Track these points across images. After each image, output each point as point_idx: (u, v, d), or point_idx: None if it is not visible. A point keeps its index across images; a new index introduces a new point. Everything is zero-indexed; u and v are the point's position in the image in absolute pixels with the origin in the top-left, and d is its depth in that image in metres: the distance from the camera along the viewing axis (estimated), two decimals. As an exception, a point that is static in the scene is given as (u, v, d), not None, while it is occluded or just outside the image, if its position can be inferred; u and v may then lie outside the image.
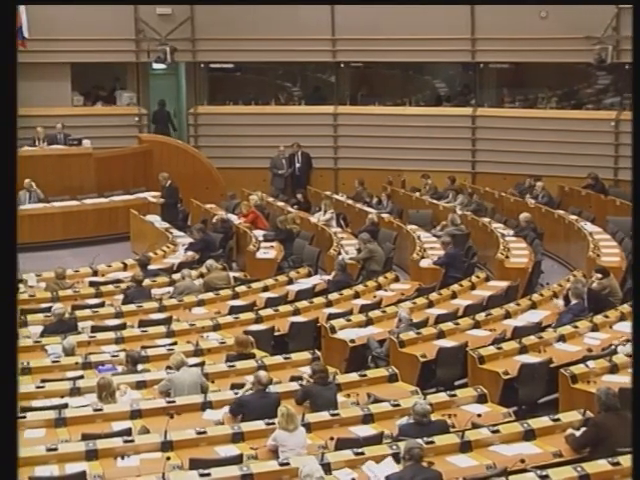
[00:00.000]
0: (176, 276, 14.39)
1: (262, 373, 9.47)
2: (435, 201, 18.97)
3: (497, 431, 8.57)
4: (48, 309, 12.52)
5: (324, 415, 9.05)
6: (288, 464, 7.97)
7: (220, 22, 21.45)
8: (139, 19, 21.57)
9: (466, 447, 8.39)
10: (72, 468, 8.04)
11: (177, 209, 18.96)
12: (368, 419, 9.06)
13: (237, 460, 8.18)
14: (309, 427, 8.76)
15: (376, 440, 8.58)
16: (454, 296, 13.44)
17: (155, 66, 22.13)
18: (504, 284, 13.91)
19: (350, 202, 19.33)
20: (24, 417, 9.03)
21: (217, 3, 20.99)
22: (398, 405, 9.24)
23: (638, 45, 7.16)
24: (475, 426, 8.82)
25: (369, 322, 12.27)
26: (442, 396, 9.66)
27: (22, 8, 19.69)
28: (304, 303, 13.09)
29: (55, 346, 11.12)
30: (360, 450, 8.20)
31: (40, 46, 20.46)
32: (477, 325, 12.02)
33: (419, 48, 20.70)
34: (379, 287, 14.00)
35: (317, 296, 13.53)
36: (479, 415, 9.10)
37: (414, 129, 21.11)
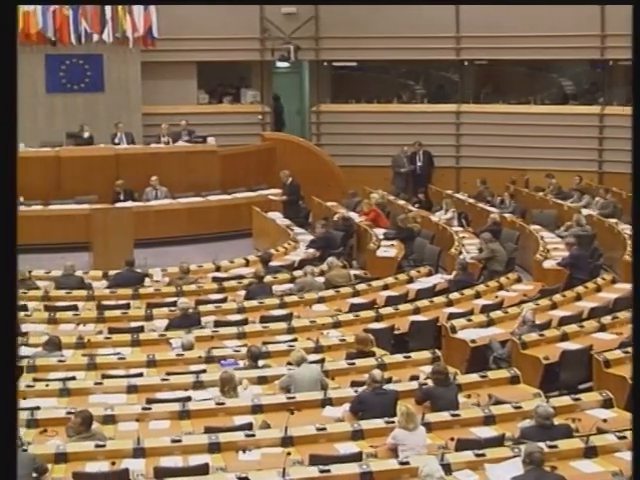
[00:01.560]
0: (297, 273, 14.48)
1: (376, 371, 9.45)
2: (560, 201, 18.61)
3: (624, 437, 8.34)
4: (173, 303, 12.77)
5: (445, 415, 8.97)
6: (408, 463, 7.93)
7: (344, 21, 21.53)
8: (264, 18, 21.82)
9: (591, 453, 8.20)
10: (195, 460, 8.17)
11: (299, 206, 19.09)
12: (489, 420, 8.95)
13: (357, 458, 8.18)
14: (429, 427, 8.70)
15: (497, 442, 8.46)
16: (578, 298, 13.17)
17: (279, 64, 22.34)
18: (631, 286, 13.50)
19: (472, 201, 19.14)
20: (149, 408, 9.25)
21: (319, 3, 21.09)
22: (520, 407, 9.09)
23: (638, 44, 6.96)
24: (600, 431, 8.61)
25: (490, 323, 12.12)
26: (566, 400, 9.47)
27: (152, 8, 20.21)
28: (424, 302, 13.01)
29: (179, 340, 11.31)
30: (481, 452, 8.11)
31: (168, 46, 20.92)
32: (603, 328, 11.75)
33: (545, 45, 20.36)
34: (501, 287, 13.81)
35: (437, 295, 13.43)
36: (605, 420, 8.87)
37: (539, 128, 20.77)
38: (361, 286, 13.82)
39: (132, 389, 9.91)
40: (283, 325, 12.06)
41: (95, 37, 20.17)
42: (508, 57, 21.41)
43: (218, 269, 15.08)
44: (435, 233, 16.83)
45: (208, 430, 8.70)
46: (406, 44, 21.20)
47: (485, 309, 12.64)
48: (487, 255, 15.03)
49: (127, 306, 13.01)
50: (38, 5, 19.63)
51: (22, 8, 19.50)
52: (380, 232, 16.72)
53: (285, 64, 22.25)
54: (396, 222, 16.90)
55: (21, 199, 18.12)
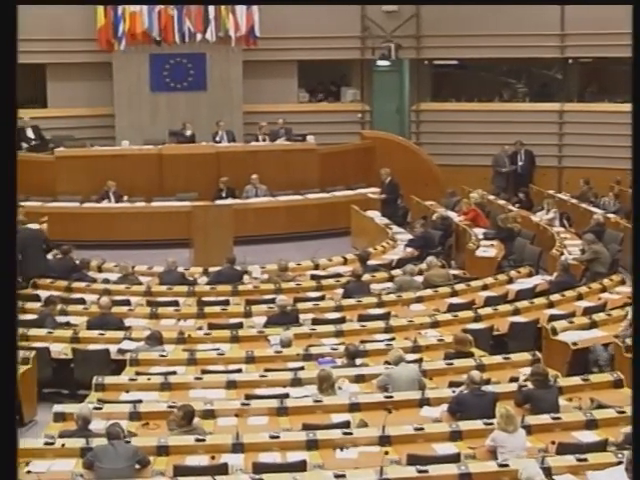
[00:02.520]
0: (395, 272, 14.43)
1: (475, 372, 9.36)
2: (666, 202, 18.12)
3: None
4: (271, 300, 12.85)
5: (545, 418, 8.84)
6: (507, 465, 7.83)
7: (445, 19, 21.39)
8: (366, 17, 21.82)
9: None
10: (293, 456, 8.21)
11: (397, 205, 19.03)
12: (591, 425, 8.78)
13: (455, 459, 8.12)
14: (529, 429, 8.58)
15: (600, 447, 8.30)
16: (686, 302, 12.80)
17: (379, 63, 22.31)
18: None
19: (574, 201, 18.80)
20: (248, 404, 9.34)
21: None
22: (623, 412, 8.89)
23: (638, 44, 6.95)
24: None
25: (593, 325, 11.89)
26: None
27: (255, 8, 20.42)
28: (524, 303, 12.83)
29: (278, 337, 11.38)
30: (583, 456, 7.96)
31: (270, 45, 21.09)
32: None
33: (652, 42, 19.85)
34: (604, 289, 13.52)
35: (538, 296, 13.23)
36: None
37: (645, 127, 20.26)
38: (460, 286, 13.70)
39: (231, 385, 10.01)
40: (381, 324, 12.04)
41: (198, 36, 20.45)
42: (614, 55, 20.95)
43: (316, 267, 15.13)
44: (536, 233, 16.59)
45: (306, 427, 8.73)
46: (508, 42, 20.95)
47: (587, 311, 12.40)
48: (590, 257, 14.75)
49: (227, 302, 13.15)
50: (144, 5, 20.03)
51: (128, 9, 19.98)
52: (479, 232, 16.55)
53: (385, 62, 22.22)
54: (496, 222, 16.70)
55: (125, 197, 18.53)
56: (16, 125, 5.68)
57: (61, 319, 12.37)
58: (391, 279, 14.11)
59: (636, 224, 6.81)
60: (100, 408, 9.19)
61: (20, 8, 20.35)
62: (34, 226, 15.03)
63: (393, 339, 11.52)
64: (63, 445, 8.35)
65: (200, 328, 12.17)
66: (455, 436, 8.56)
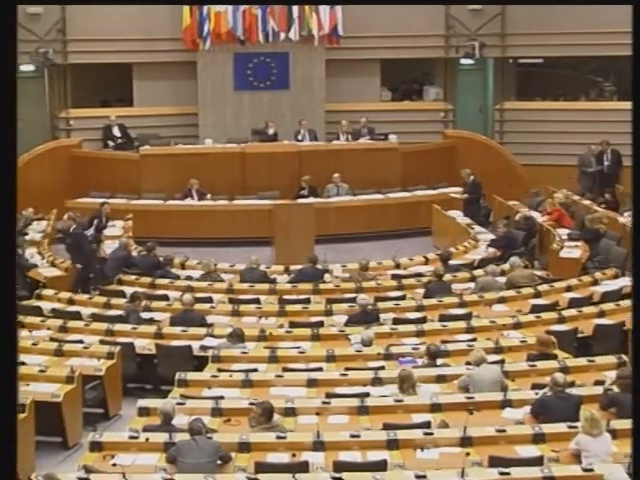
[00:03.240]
0: (477, 272, 14.32)
1: (558, 374, 9.22)
2: None
3: None
4: (352, 299, 12.85)
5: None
6: (592, 470, 7.71)
7: (531, 17, 21.14)
8: (450, 15, 21.68)
9: None
10: (374, 456, 8.20)
11: (479, 205, 18.86)
12: (680, 430, 8.57)
13: (538, 462, 8.02)
14: (615, 434, 8.41)
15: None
16: None
17: (463, 61, 22.15)
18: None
19: (663, 202, 18.38)
20: (329, 403, 9.34)
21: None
22: None
23: (638, 45, 6.82)
24: None
25: (681, 329, 11.61)
26: None
27: (338, 7, 20.45)
28: (610, 305, 12.61)
29: (358, 336, 11.37)
30: (674, 464, 7.77)
31: (352, 43, 21.09)
32: None
33: None
34: (693, 293, 13.20)
35: (624, 299, 12.97)
36: None
37: None
38: (543, 287, 13.53)
39: (312, 383, 10.04)
40: (462, 324, 11.95)
41: (282, 36, 20.54)
42: None
43: (397, 266, 15.09)
44: (622, 235, 16.27)
45: (386, 427, 8.71)
46: (595, 40, 20.59)
47: (676, 315, 12.12)
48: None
49: (308, 301, 13.19)
50: (229, 5, 20.21)
51: (213, 9, 20.20)
52: (564, 232, 16.31)
53: (469, 61, 22.05)
54: (582, 222, 16.43)
55: (208, 195, 18.72)
56: (16, 125, 5.69)
57: (145, 315, 12.55)
58: (473, 279, 13.99)
59: (636, 223, 6.69)
60: (183, 404, 9.30)
61: (106, 9, 20.88)
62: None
63: (475, 340, 11.43)
64: (147, 439, 8.47)
65: (281, 326, 12.22)
66: (538, 439, 8.45)
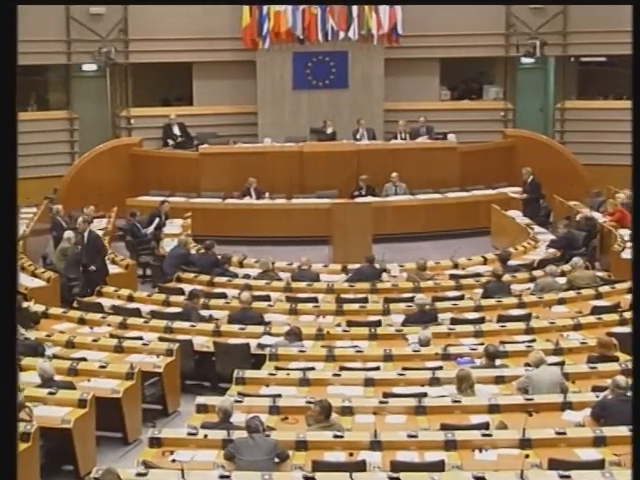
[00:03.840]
0: (536, 273, 14.18)
1: (620, 376, 9.09)
2: None
3: None
4: (410, 299, 12.81)
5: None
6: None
7: (594, 15, 20.90)
8: (511, 14, 21.52)
9: None
10: (431, 456, 8.15)
11: (539, 205, 18.68)
12: None
13: (599, 465, 7.90)
14: (604, 441, 8.29)
15: None
16: None
17: (524, 60, 21.97)
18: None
19: None
20: (386, 402, 9.31)
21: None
22: None
23: (638, 45, 6.75)
24: None
25: None
26: None
27: (398, 6, 20.40)
28: (673, 308, 12.39)
29: (416, 336, 11.32)
30: None
31: (412, 42, 21.03)
32: None
33: None
34: None
35: (688, 301, 12.75)
36: None
37: None
38: (604, 288, 13.35)
39: (369, 382, 10.01)
40: (521, 325, 11.84)
41: (341, 35, 20.55)
42: None
43: (455, 266, 15.01)
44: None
45: (444, 427, 8.66)
46: (659, 38, 20.27)
47: None
48: None
49: (365, 300, 13.16)
50: (288, 5, 20.27)
51: (273, 8, 20.27)
52: (625, 233, 16.08)
53: (530, 60, 21.86)
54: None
55: (266, 194, 18.78)
56: (16, 125, 5.69)
57: (204, 313, 12.62)
58: (532, 280, 13.86)
59: (636, 223, 6.60)
60: (241, 401, 9.33)
61: (167, 9, 21.03)
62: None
63: (534, 341, 11.32)
64: (205, 436, 8.52)
65: (339, 325, 12.21)
66: (599, 442, 8.33)
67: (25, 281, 14.06)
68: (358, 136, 20.23)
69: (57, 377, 9.96)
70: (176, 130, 20.98)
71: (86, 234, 14.56)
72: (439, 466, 7.95)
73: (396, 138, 20.31)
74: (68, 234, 15.44)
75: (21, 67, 20.04)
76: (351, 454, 8.23)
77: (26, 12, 19.89)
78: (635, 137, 6.69)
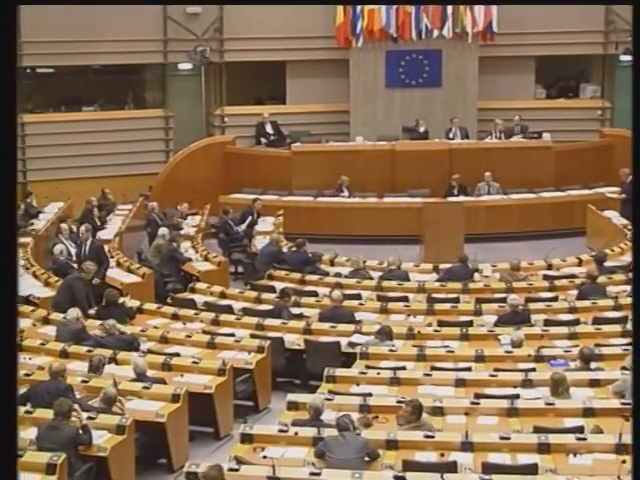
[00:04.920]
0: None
1: None
2: None
3: None
4: (502, 299, 12.66)
5: None
6: None
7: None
8: (611, 11, 21.14)
9: None
10: (524, 459, 8.05)
11: (637, 206, 18.28)
12: None
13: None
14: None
15: None
16: None
17: (623, 58, 21.52)
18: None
19: None
20: (478, 403, 9.22)
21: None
22: None
23: (638, 45, 6.64)
24: None
25: None
26: None
27: (494, 8, 20.21)
28: None
29: (508, 337, 11.19)
30: None
31: (507, 40, 20.81)
32: None
33: None
34: None
35: None
36: None
37: None
38: None
39: (460, 383, 9.93)
40: (617, 328, 11.60)
41: (435, 33, 20.45)
42: None
43: (549, 267, 14.78)
44: None
45: (537, 430, 8.54)
46: None
47: None
48: None
49: (457, 300, 13.06)
50: (382, 5, 20.26)
51: (367, 7, 20.28)
52: None
53: (629, 57, 21.39)
54: None
55: (356, 192, 18.79)
56: (16, 125, 5.70)
57: (295, 310, 12.68)
58: (629, 282, 13.56)
59: (636, 224, 6.39)
60: (331, 399, 9.34)
61: (261, 9, 21.22)
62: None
63: (631, 344, 11.05)
64: (296, 433, 8.55)
65: (429, 325, 12.14)
66: (699, 448, 8.11)
67: (120, 277, 14.35)
68: (451, 135, 20.10)
69: (151, 372, 10.12)
70: (269, 128, 21.13)
71: (88, 244, 14.34)
72: (532, 469, 7.85)
73: (491, 137, 20.11)
74: (163, 231, 15.68)
75: (119, 66, 20.68)
76: (442, 454, 8.17)
77: (124, 12, 20.30)
78: (635, 137, 6.58)
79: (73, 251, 15.29)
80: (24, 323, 12.30)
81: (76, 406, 8.79)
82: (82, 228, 14.99)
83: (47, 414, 8.80)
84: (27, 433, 8.74)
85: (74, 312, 11.58)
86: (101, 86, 22.07)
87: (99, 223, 17.62)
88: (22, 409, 9.14)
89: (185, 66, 21.85)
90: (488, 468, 7.86)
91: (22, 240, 16.25)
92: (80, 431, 8.46)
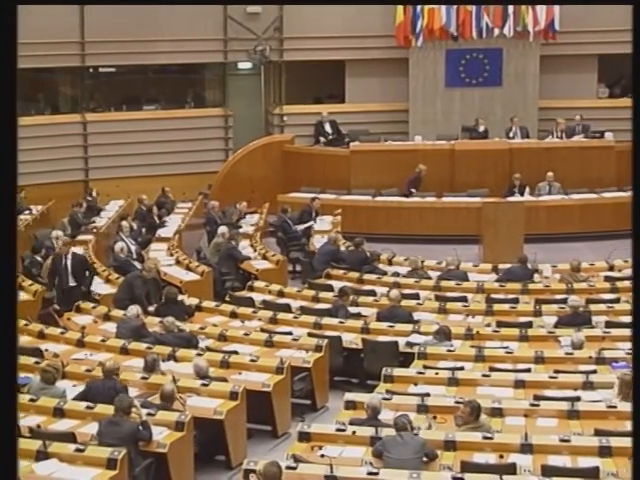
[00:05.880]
0: (698, 277, 13.63)
1: None
2: None
3: None
4: (563, 300, 12.54)
5: None
6: None
7: None
8: (671, 7, 20.78)
9: None
10: (585, 462, 7.95)
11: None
12: None
13: None
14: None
15: None
16: None
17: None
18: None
19: None
20: (537, 405, 9.13)
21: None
22: None
23: (638, 45, 6.65)
24: None
25: None
26: None
27: (556, 6, 20.01)
28: None
29: (568, 338, 11.06)
30: None
31: (569, 39, 20.60)
32: None
33: None
34: None
35: None
36: None
37: None
38: None
39: (519, 384, 9.85)
40: (681, 330, 11.39)
41: (496, 31, 20.32)
42: None
43: (611, 268, 14.59)
44: None
45: (598, 432, 8.43)
46: None
47: None
48: None
49: (516, 301, 12.95)
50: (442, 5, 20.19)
51: (426, 6, 20.20)
52: None
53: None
54: None
55: (413, 190, 18.71)
56: (16, 125, 5.66)
57: (353, 310, 12.66)
58: (694, 284, 13.32)
59: (636, 224, 6.26)
60: (389, 399, 9.32)
61: (320, 8, 21.17)
62: (79, 251, 14.78)
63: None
64: (354, 432, 8.54)
65: (488, 325, 12.06)
66: None
67: (180, 274, 14.47)
68: (511, 134, 19.94)
69: (209, 369, 10.18)
70: (328, 127, 21.15)
71: (69, 257, 13.60)
72: (593, 472, 7.74)
73: (552, 136, 19.91)
74: (222, 229, 15.77)
75: (179, 65, 20.77)
76: (501, 456, 8.11)
77: (185, 12, 20.45)
78: (635, 137, 6.46)
79: (133, 248, 15.47)
80: (85, 320, 12.49)
81: (136, 402, 8.89)
82: (60, 242, 14.38)
83: (108, 410, 8.90)
84: (88, 428, 8.86)
85: (134, 309, 11.69)
86: (162, 85, 22.29)
87: (158, 221, 17.80)
88: (83, 404, 9.29)
89: (245, 65, 21.97)
90: (548, 471, 7.78)
91: (84, 237, 16.54)
92: (140, 427, 8.55)
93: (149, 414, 8.84)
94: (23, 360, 10.58)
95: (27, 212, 18.04)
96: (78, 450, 8.24)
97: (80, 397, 9.52)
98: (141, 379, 10.03)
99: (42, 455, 8.20)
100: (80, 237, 16.58)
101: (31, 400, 9.37)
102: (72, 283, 13.48)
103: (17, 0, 5.75)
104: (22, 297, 13.30)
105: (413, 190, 18.74)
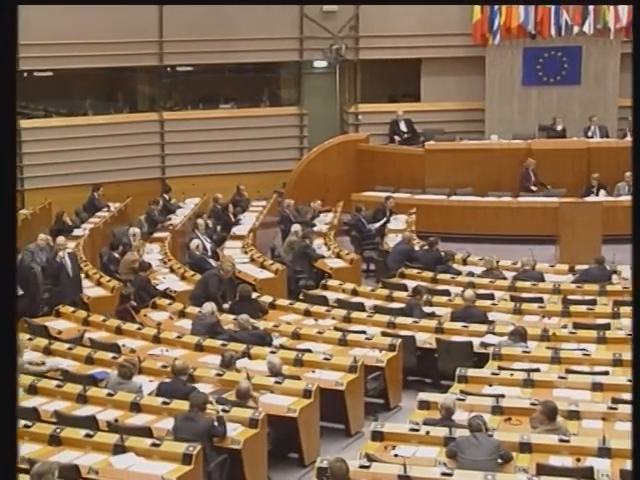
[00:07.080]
0: None
1: None
2: None
3: None
4: (644, 302, 12.29)
5: None
6: None
7: None
8: None
9: None
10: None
11: None
12: None
13: None
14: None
15: None
16: None
17: None
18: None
19: None
20: (615, 408, 8.97)
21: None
22: None
23: (638, 45, 6.63)
24: None
25: None
26: None
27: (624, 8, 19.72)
28: None
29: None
30: None
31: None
32: None
33: None
34: None
35: None
36: None
37: None
38: None
39: (597, 387, 9.70)
40: None
41: (575, 29, 20.07)
42: None
43: (692, 270, 14.27)
44: None
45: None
46: None
47: None
48: None
49: (593, 302, 12.77)
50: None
51: (504, 6, 20.04)
52: None
53: None
54: None
55: (533, 188, 18.52)
56: (16, 126, 5.62)
57: (427, 309, 12.61)
58: None
59: (636, 224, 6.08)
60: (463, 400, 9.25)
61: (394, 7, 21.04)
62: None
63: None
64: (427, 432, 8.50)
65: (565, 326, 11.89)
66: None
67: (254, 272, 14.55)
68: (590, 133, 19.66)
69: (283, 367, 10.21)
70: (403, 126, 21.09)
71: (67, 259, 13.49)
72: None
73: (630, 136, 19.58)
74: (295, 227, 15.82)
75: (255, 64, 20.93)
76: (578, 459, 7.99)
77: (261, 11, 20.57)
78: (635, 137, 6.31)
79: (209, 246, 15.60)
80: (161, 316, 12.63)
81: (211, 398, 8.96)
82: (56, 245, 14.11)
83: (183, 405, 8.99)
84: (164, 423, 8.96)
85: (209, 306, 11.78)
86: (238, 84, 22.46)
87: (233, 219, 17.93)
88: (159, 399, 9.39)
89: (320, 64, 22.01)
90: (627, 476, 7.64)
91: (160, 235, 16.74)
92: (215, 423, 8.62)
93: (224, 410, 8.90)
94: (101, 355, 10.78)
95: (105, 209, 18.34)
96: (154, 445, 8.34)
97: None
98: (215, 375, 10.11)
99: (119, 449, 8.33)
100: (156, 234, 16.80)
101: (109, 395, 9.52)
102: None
103: (17, 0, 5.82)
104: (100, 293, 13.59)
105: (530, 186, 18.53)
